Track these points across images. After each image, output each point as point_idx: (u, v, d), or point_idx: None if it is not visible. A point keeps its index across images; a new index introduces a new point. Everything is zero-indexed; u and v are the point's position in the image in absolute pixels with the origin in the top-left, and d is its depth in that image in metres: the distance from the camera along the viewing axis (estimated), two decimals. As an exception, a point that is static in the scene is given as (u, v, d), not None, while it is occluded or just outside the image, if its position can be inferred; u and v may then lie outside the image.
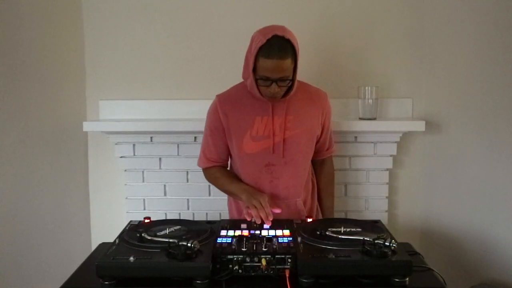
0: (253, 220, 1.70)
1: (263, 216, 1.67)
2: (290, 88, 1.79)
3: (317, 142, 1.98)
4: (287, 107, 1.84)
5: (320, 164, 2.08)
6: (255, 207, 1.70)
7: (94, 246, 1.97)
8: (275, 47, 1.67)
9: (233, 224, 1.69)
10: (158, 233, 1.59)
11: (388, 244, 1.42)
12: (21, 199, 2.05)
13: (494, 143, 2.17)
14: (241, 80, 1.91)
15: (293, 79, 1.76)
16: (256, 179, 1.89)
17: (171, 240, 1.45)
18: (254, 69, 1.73)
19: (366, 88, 2.30)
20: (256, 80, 1.75)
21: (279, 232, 1.60)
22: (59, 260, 2.26)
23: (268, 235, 1.57)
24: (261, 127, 1.84)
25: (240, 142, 1.86)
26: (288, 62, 1.69)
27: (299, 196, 1.95)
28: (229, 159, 2.01)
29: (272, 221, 1.68)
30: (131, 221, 1.80)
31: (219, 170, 1.98)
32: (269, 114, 1.84)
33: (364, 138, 2.40)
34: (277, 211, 1.74)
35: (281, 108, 1.84)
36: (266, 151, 1.86)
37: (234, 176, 1.96)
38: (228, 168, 2.05)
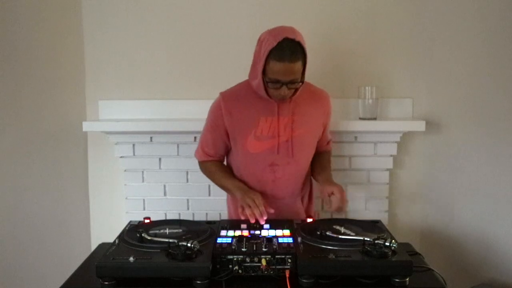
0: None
1: (257, 214, 1.67)
2: (297, 89, 1.79)
3: (318, 140, 1.98)
4: (293, 107, 1.84)
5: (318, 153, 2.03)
6: (249, 206, 1.70)
7: (94, 246, 1.97)
8: (287, 50, 1.64)
9: (233, 224, 1.69)
10: (158, 233, 1.59)
11: (388, 244, 1.42)
12: (21, 199, 2.05)
13: (494, 143, 2.17)
14: (243, 79, 1.90)
15: (301, 81, 1.75)
16: (259, 177, 1.89)
17: (171, 240, 1.45)
18: (264, 72, 1.71)
19: (366, 88, 2.30)
20: (265, 83, 1.74)
21: (279, 232, 1.60)
22: (59, 260, 2.26)
23: (268, 235, 1.57)
24: (266, 127, 1.84)
25: (244, 141, 1.86)
26: (299, 64, 1.68)
27: (299, 195, 1.96)
28: (226, 155, 2.01)
29: (271, 221, 1.69)
30: (131, 221, 1.80)
31: (215, 164, 1.98)
32: (274, 114, 1.82)
33: (364, 138, 2.39)
34: (271, 211, 1.74)
35: (286, 108, 1.83)
36: (270, 151, 1.85)
37: (230, 172, 1.97)
38: (225, 163, 2.04)
